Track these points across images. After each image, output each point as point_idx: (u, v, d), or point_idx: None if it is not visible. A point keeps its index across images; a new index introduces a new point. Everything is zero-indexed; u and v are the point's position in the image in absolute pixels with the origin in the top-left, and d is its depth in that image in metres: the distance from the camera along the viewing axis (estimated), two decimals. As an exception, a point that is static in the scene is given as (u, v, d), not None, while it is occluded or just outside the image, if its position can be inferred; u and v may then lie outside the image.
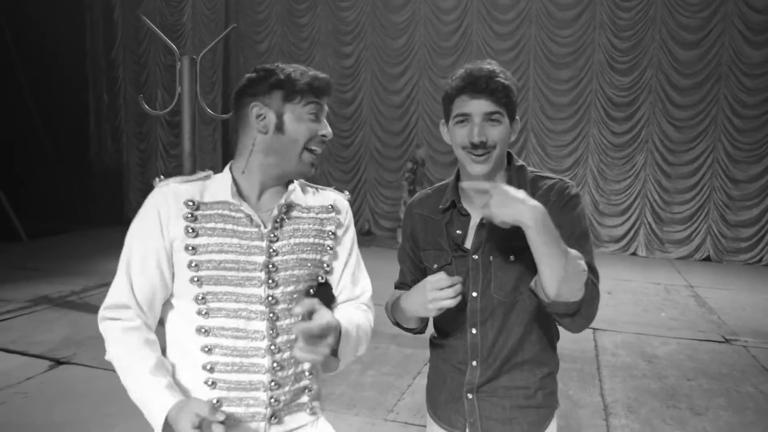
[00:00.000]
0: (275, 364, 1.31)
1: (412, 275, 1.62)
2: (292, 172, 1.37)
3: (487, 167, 1.41)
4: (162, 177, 1.36)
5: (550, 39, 9.49)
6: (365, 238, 10.19)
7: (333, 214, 1.44)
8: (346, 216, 1.48)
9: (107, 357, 1.32)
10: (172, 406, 1.18)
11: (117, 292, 1.32)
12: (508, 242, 1.41)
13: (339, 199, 1.49)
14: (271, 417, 1.32)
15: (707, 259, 9.04)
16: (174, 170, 10.57)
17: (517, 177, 1.47)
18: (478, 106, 1.37)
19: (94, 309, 5.41)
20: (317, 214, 1.42)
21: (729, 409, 3.79)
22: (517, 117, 1.46)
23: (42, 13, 9.37)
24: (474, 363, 1.49)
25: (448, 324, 1.53)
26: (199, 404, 1.16)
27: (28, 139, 9.80)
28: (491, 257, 1.45)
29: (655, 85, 9.09)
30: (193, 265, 1.28)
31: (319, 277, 1.42)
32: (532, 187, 1.44)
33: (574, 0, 9.27)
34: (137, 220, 1.33)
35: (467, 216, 1.50)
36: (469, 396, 1.50)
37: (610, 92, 9.29)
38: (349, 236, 1.49)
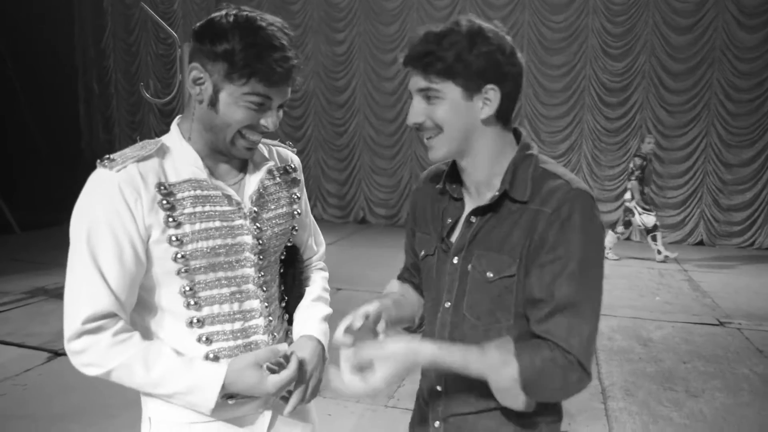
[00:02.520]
0: (272, 337, 1.31)
1: (410, 258, 1.45)
2: (227, 154, 1.22)
3: (439, 153, 1.18)
4: (109, 156, 1.15)
5: (543, 24, 9.46)
6: (360, 226, 10.20)
7: (294, 175, 1.38)
8: (300, 173, 1.42)
9: (112, 376, 1.14)
10: (225, 375, 1.15)
11: (93, 300, 1.11)
12: (494, 255, 1.16)
13: (292, 156, 1.41)
14: None
15: (700, 243, 9.11)
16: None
17: (514, 170, 1.17)
18: (413, 83, 1.16)
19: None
20: (281, 176, 1.35)
21: (724, 390, 3.84)
22: (491, 86, 1.12)
23: (30, 2, 9.25)
24: (438, 388, 1.26)
25: (425, 334, 1.32)
26: (255, 355, 1.19)
27: (17, 130, 9.72)
28: (470, 266, 1.19)
29: (649, 70, 9.09)
30: (179, 257, 1.15)
31: (288, 241, 1.38)
32: (534, 187, 1.15)
33: (568, -15, 9.24)
34: (89, 211, 1.13)
35: (460, 201, 1.26)
36: (436, 425, 1.28)
37: (603, 78, 9.28)
38: (305, 195, 1.45)
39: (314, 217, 1.57)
